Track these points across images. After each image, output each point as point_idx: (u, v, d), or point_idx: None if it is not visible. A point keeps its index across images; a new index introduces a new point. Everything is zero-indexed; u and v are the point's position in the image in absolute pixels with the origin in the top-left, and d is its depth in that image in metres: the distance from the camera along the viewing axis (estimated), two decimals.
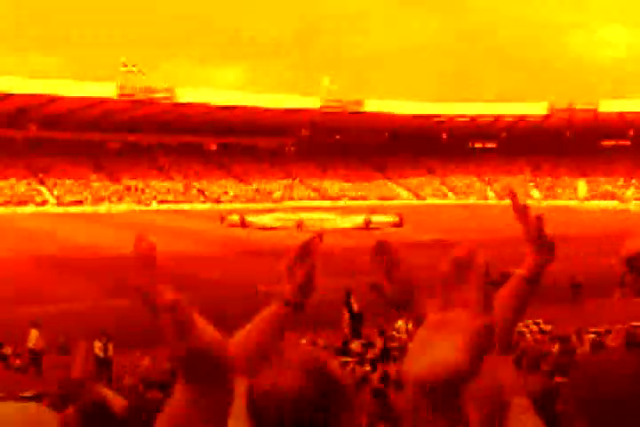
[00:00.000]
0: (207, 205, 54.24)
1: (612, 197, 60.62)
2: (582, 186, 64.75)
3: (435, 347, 0.89)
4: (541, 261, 1.41)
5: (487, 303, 0.88)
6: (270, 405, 1.05)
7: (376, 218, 36.38)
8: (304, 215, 37.44)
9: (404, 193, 65.54)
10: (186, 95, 55.00)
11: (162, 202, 54.58)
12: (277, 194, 60.21)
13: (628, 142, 68.16)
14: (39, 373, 11.38)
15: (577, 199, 60.91)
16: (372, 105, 61.16)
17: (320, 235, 1.41)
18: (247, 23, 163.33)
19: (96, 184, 56.34)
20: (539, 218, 1.41)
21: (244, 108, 57.50)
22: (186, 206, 53.23)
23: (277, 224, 35.15)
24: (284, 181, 63.83)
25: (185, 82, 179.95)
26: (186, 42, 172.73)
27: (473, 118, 64.63)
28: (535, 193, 64.66)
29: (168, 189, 57.55)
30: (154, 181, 58.68)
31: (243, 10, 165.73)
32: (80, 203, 51.93)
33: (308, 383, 1.07)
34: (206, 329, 1.10)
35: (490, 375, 1.23)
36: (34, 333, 11.80)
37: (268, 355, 1.29)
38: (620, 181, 63.03)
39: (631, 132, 66.55)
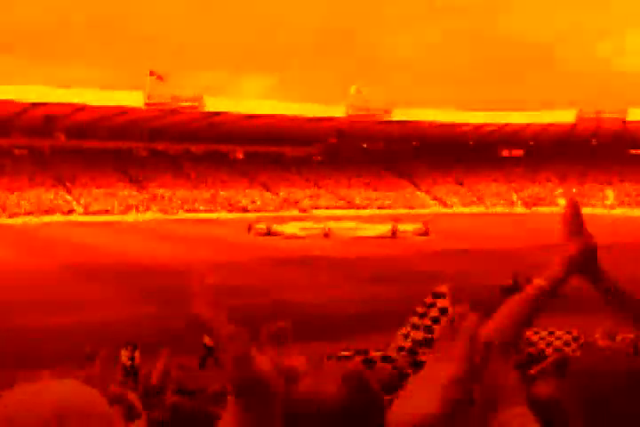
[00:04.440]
0: (234, 214, 54.53)
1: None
2: (610, 194, 63.81)
3: (417, 396, 0.99)
4: (562, 277, 1.41)
5: (470, 361, 1.00)
6: (311, 411, 1.13)
7: (402, 227, 36.24)
8: (331, 224, 37.44)
9: (431, 201, 65.20)
10: (213, 104, 55.51)
11: (188, 211, 55.03)
12: (304, 203, 60.34)
13: None
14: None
15: (604, 207, 59.99)
16: (400, 113, 61.08)
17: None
18: (275, 32, 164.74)
19: (123, 193, 57.01)
20: (589, 244, 1.42)
21: (270, 116, 57.86)
22: (212, 215, 53.61)
23: (304, 233, 35.21)
24: (311, 190, 63.96)
25: (212, 91, 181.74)
26: (214, 51, 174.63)
27: (500, 126, 64.16)
28: (562, 201, 63.79)
29: (195, 198, 58.02)
30: (180, 189, 59.22)
31: (270, 19, 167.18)
32: (107, 212, 52.55)
33: (347, 392, 1.14)
34: (262, 360, 1.15)
35: (490, 380, 1.29)
36: None
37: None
38: None
39: None
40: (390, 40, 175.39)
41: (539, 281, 1.42)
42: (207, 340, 9.64)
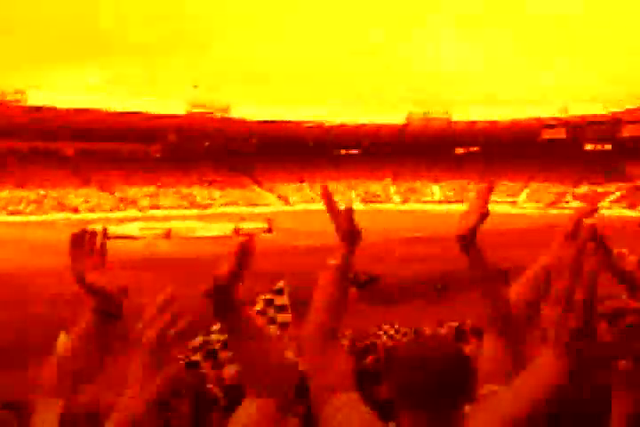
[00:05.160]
0: (64, 215, 51.16)
1: (465, 200, 64.75)
2: (437, 190, 68.67)
3: None
4: (349, 251, 1.54)
5: None
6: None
7: (245, 225, 36.25)
8: (172, 224, 36.51)
9: (274, 199, 65.91)
10: (38, 98, 51.70)
11: (13, 213, 50.95)
12: (143, 202, 58.29)
13: (478, 149, 73.44)
14: None
15: (433, 203, 64.38)
16: (239, 110, 60.93)
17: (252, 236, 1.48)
18: (111, 24, 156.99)
19: None
20: (348, 210, 1.54)
21: (103, 112, 55.07)
22: (41, 217, 50.00)
23: (144, 234, 33.99)
24: (150, 189, 61.96)
25: (43, 85, 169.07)
26: (42, 43, 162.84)
27: (337, 126, 66.31)
28: (396, 198, 67.56)
29: (20, 199, 53.82)
30: (4, 190, 54.65)
31: (104, 9, 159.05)
32: None
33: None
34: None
35: (323, 366, 1.39)
36: None
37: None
38: (472, 185, 67.31)
39: (481, 140, 71.60)
40: (231, 38, 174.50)
41: (333, 261, 1.52)
42: None
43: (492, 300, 1.56)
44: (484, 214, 1.52)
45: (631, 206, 53.94)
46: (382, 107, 68.70)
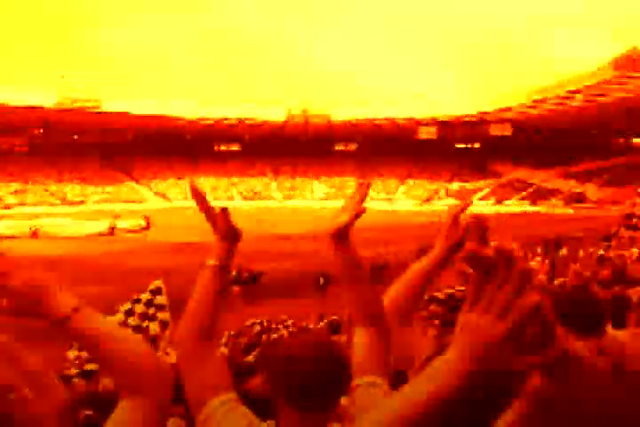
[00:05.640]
0: None
1: (344, 196, 66.16)
2: (317, 187, 69.68)
3: None
4: (228, 250, 1.52)
5: None
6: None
7: (121, 223, 34.96)
8: (40, 222, 34.48)
9: (151, 196, 64.00)
10: None
11: None
12: (8, 199, 54.57)
13: (357, 147, 75.39)
14: None
15: (314, 199, 65.27)
16: (111, 104, 58.45)
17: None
18: None
19: None
20: (224, 210, 1.54)
21: None
22: None
23: (10, 232, 31.81)
24: (16, 185, 58.14)
25: None
26: None
27: (216, 121, 65.46)
28: (277, 194, 67.81)
29: None
30: None
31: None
32: None
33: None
34: None
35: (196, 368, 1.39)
36: None
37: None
38: (351, 182, 68.99)
39: (359, 138, 73.51)
40: (101, 30, 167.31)
41: (211, 262, 1.50)
42: None
43: (362, 296, 1.59)
44: (359, 213, 1.54)
45: (499, 202, 57.54)
46: (263, 103, 68.72)
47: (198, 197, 1.51)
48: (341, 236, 1.55)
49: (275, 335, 9.57)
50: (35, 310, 1.05)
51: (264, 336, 9.66)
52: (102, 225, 34.13)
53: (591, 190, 54.13)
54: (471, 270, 0.83)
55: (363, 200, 1.55)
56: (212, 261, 1.50)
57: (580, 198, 53.02)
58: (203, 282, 1.48)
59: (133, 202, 58.82)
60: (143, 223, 35.60)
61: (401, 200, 63.97)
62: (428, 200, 63.12)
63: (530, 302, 0.81)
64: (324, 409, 1.33)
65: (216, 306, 1.47)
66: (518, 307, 0.81)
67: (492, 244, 0.86)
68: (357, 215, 1.53)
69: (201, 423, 1.33)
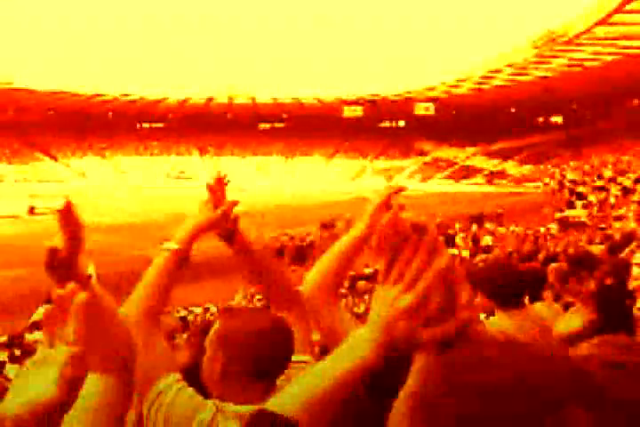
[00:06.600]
0: None
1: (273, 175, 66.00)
2: (244, 165, 69.04)
3: (31, 385, 0.95)
4: (193, 237, 1.57)
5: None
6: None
7: (41, 203, 33.63)
8: None
9: (71, 175, 61.73)
10: None
11: None
12: None
13: (283, 125, 75.03)
14: None
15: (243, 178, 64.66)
16: (24, 81, 55.48)
17: None
18: None
19: None
20: (235, 218, 1.66)
21: None
22: None
23: None
24: None
25: None
26: None
27: (138, 99, 63.53)
28: (203, 174, 66.78)
29: None
30: None
31: None
32: None
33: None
34: None
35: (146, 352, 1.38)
36: None
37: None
38: (280, 160, 68.70)
39: (285, 116, 73.16)
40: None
41: (171, 244, 1.52)
42: None
43: (275, 284, 1.72)
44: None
45: (424, 180, 58.75)
46: (187, 80, 67.13)
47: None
48: (229, 236, 1.65)
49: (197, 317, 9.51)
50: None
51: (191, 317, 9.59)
52: (20, 205, 32.85)
53: (511, 168, 56.07)
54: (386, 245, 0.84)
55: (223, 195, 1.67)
56: (174, 245, 1.50)
57: (501, 176, 54.88)
58: (160, 264, 1.48)
59: (52, 182, 56.58)
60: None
61: (328, 178, 64.32)
62: (354, 178, 63.70)
63: (435, 270, 0.81)
64: (274, 378, 1.43)
65: (167, 289, 1.48)
66: (426, 276, 0.82)
67: (408, 218, 0.87)
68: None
69: (149, 403, 1.34)
